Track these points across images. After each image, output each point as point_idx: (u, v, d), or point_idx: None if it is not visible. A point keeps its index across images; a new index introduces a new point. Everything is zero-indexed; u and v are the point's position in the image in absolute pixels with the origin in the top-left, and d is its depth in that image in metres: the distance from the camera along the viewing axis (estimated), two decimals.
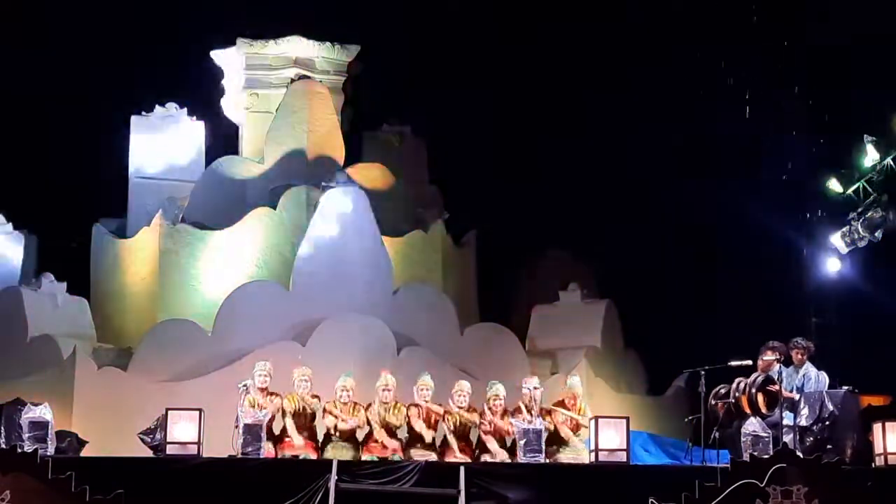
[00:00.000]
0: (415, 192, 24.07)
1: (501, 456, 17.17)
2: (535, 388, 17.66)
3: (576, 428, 17.52)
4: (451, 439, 17.34)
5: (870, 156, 20.57)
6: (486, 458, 17.16)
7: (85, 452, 17.75)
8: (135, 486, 15.78)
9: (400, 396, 17.73)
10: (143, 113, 24.00)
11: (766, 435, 16.82)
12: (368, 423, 17.36)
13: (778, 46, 23.49)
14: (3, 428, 16.87)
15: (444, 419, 17.48)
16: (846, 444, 17.16)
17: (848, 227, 20.93)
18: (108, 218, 23.67)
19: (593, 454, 16.70)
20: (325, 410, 17.43)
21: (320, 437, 17.43)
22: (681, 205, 24.41)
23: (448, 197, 24.18)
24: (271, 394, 17.50)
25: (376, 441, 17.25)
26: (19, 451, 15.82)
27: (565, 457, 17.32)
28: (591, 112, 25.07)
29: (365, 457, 17.05)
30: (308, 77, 23.74)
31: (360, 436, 17.46)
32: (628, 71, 24.96)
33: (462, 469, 16.20)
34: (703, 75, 24.31)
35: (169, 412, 16.65)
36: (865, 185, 20.78)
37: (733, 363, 17.51)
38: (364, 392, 17.83)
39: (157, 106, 24.09)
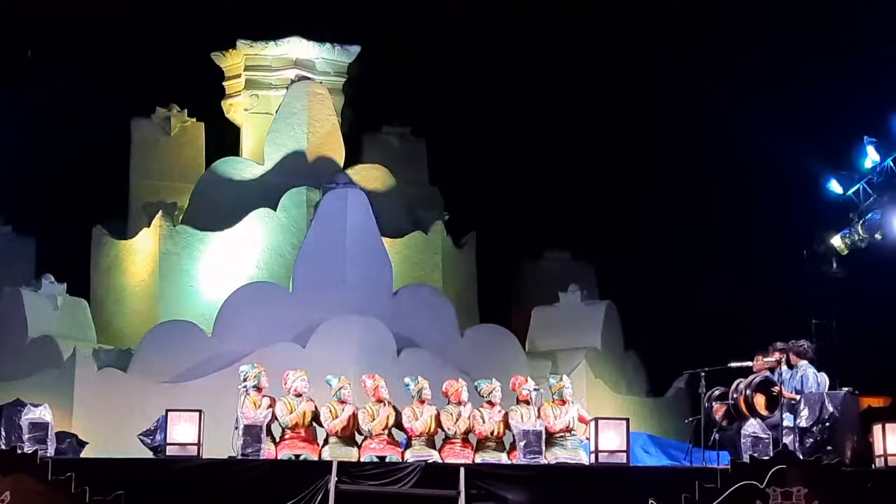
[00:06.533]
0: (415, 192, 24.08)
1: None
2: (534, 388, 17.63)
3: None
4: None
5: (870, 157, 20.56)
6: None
7: (85, 453, 17.76)
8: (135, 487, 15.79)
9: (401, 397, 17.69)
10: (144, 114, 24.00)
11: (766, 436, 16.82)
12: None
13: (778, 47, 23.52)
14: (2, 429, 16.84)
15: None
16: (846, 445, 17.15)
17: (848, 228, 20.93)
18: (108, 219, 23.66)
19: (593, 455, 16.69)
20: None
21: (320, 440, 17.36)
22: (680, 205, 24.40)
23: (448, 197, 24.19)
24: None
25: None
26: (19, 452, 15.82)
27: (563, 454, 17.17)
28: (591, 111, 25.05)
29: (365, 456, 16.95)
30: (308, 78, 23.73)
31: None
32: (627, 67, 24.95)
33: (462, 470, 16.19)
34: (700, 76, 24.30)
35: (169, 413, 16.65)
36: (866, 186, 20.78)
37: (733, 364, 17.52)
38: (363, 393, 17.80)
39: (157, 107, 24.11)
